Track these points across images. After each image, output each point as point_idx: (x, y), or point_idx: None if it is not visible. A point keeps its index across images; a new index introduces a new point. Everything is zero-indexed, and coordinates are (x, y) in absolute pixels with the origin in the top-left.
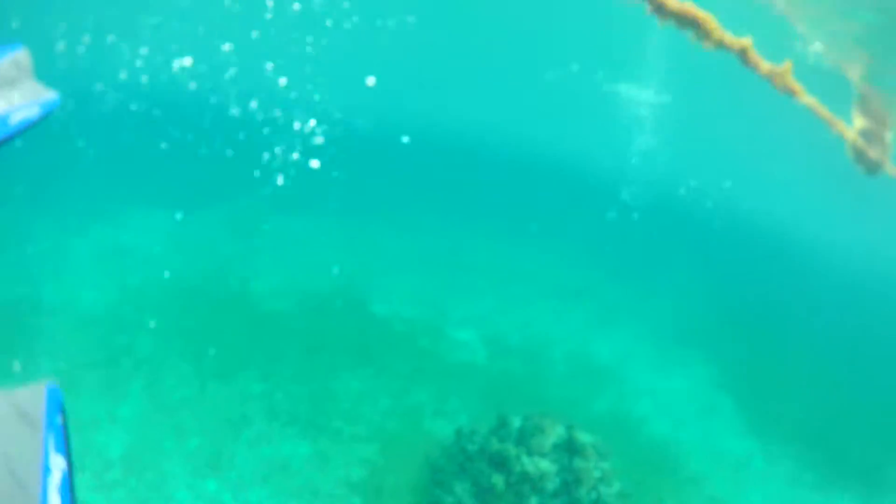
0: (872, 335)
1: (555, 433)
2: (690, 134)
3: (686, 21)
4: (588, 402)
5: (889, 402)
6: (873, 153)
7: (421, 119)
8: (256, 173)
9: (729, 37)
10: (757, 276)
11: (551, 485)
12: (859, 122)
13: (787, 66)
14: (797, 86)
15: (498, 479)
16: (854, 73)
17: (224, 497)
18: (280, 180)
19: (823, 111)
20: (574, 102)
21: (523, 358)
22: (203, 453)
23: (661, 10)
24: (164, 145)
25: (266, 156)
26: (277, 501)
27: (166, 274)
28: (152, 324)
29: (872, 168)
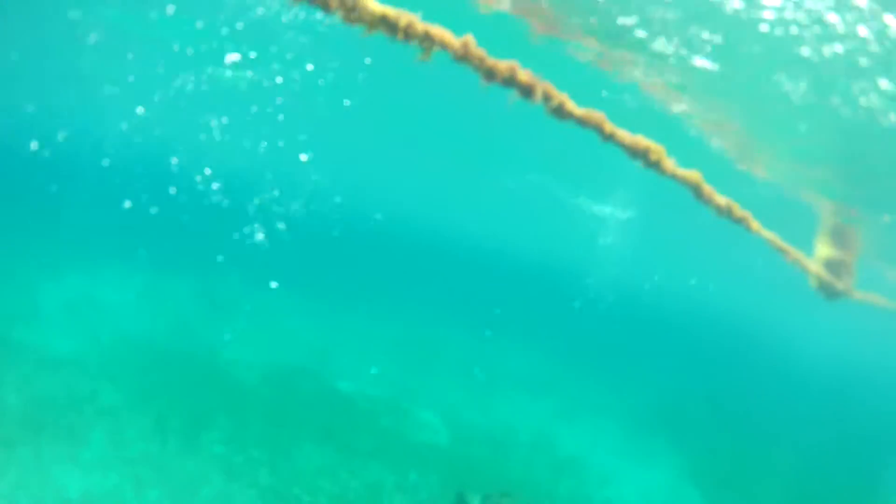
0: (835, 429)
1: None
2: (654, 244)
3: (636, 152)
4: (550, 486)
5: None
6: (838, 282)
7: (391, 209)
8: (233, 246)
9: (681, 170)
10: (720, 370)
11: None
12: (825, 251)
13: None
14: (753, 221)
15: None
16: (821, 204)
17: None
18: (255, 256)
19: (781, 244)
20: (536, 210)
21: (486, 442)
22: None
23: (611, 140)
24: (152, 208)
25: (244, 230)
26: None
27: (136, 329)
28: (117, 376)
29: (833, 295)
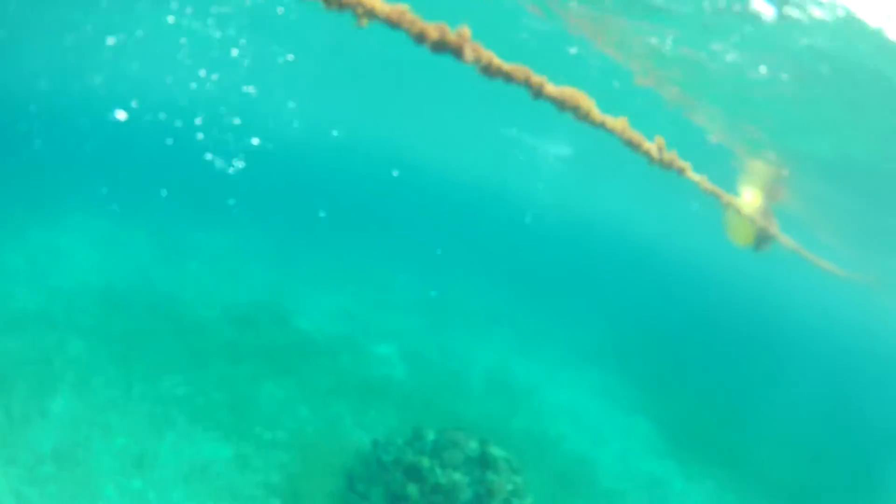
0: (781, 353)
1: (468, 447)
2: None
3: (564, 104)
4: (505, 419)
5: (809, 418)
6: (766, 227)
7: (343, 143)
8: (189, 189)
9: (609, 118)
10: (661, 298)
11: (464, 496)
12: (753, 199)
13: (659, 140)
14: (680, 162)
15: (412, 489)
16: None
17: (149, 495)
18: (210, 196)
19: (713, 187)
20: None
21: (441, 376)
22: (129, 452)
23: (539, 95)
24: (103, 154)
25: (201, 171)
26: (198, 502)
27: (97, 278)
28: (82, 326)
29: (764, 241)
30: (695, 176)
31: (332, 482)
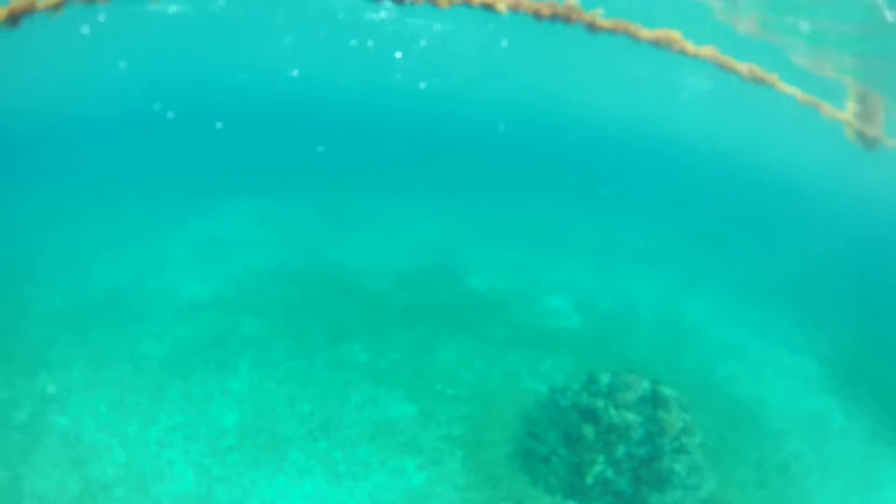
0: None
1: (640, 388)
2: None
3: (660, 43)
4: (674, 361)
5: None
6: (870, 131)
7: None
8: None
9: (700, 48)
10: (822, 235)
11: (637, 434)
12: (853, 107)
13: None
14: (770, 76)
15: (588, 430)
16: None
17: (335, 455)
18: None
19: (810, 98)
20: None
21: (613, 321)
22: (313, 417)
23: (637, 39)
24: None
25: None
26: (384, 457)
27: (265, 258)
28: (256, 306)
29: (871, 145)
30: (787, 88)
31: (511, 429)
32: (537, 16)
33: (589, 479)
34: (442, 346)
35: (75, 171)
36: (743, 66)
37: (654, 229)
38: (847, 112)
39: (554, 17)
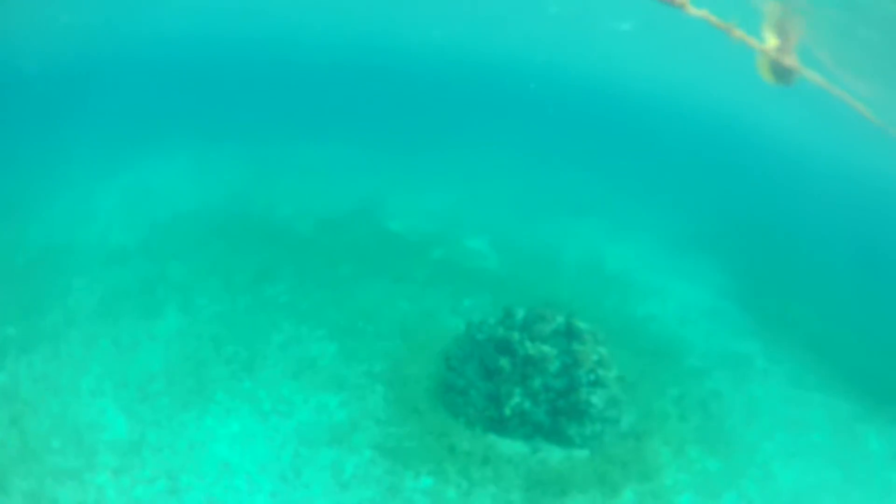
0: (871, 243)
1: (555, 321)
2: None
3: None
4: (594, 301)
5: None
6: (787, 63)
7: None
8: (268, 108)
9: None
10: (750, 185)
11: (552, 366)
12: (770, 34)
13: None
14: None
15: (504, 361)
16: None
17: (259, 393)
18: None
19: (716, 20)
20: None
21: (534, 264)
22: (238, 358)
23: None
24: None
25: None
26: (307, 394)
27: (191, 205)
28: (181, 253)
29: (786, 78)
30: (695, 10)
31: (432, 364)
32: None
33: (507, 411)
34: (363, 286)
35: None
36: None
37: (580, 178)
38: (765, 42)
39: None
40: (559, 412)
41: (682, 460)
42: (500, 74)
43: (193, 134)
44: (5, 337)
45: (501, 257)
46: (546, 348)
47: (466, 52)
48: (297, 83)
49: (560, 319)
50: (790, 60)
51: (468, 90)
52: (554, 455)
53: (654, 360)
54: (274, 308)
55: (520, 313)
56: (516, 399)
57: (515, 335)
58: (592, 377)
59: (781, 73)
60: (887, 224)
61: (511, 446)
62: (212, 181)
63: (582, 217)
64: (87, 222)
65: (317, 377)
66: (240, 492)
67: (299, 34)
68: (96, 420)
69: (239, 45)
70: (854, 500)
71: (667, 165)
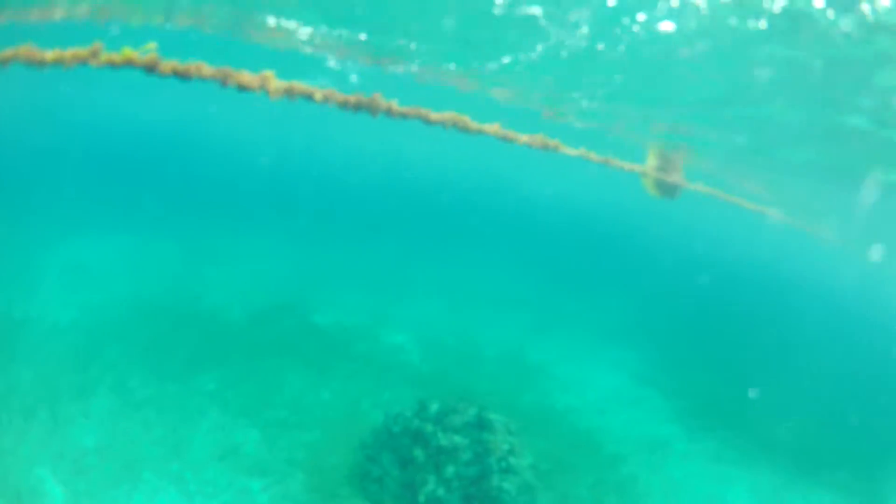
0: (786, 326)
1: (467, 413)
2: None
3: (447, 124)
4: (515, 394)
5: (812, 387)
6: (671, 179)
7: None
8: (201, 202)
9: (485, 125)
10: (661, 280)
11: (464, 456)
12: (652, 161)
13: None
14: (554, 142)
15: (418, 452)
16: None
17: (186, 475)
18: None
19: (597, 157)
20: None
21: (455, 358)
22: (165, 441)
23: (429, 122)
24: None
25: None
26: (231, 476)
27: (127, 289)
28: (116, 334)
29: (671, 193)
30: (573, 151)
31: (350, 455)
32: (345, 104)
33: (421, 498)
34: (288, 378)
35: None
36: (525, 137)
37: (503, 276)
38: (647, 166)
39: (358, 106)
40: (472, 498)
41: None
42: (418, 175)
43: (130, 220)
44: None
45: (423, 352)
46: (458, 438)
47: (385, 156)
48: (230, 180)
49: (472, 411)
50: (675, 178)
51: (389, 190)
52: None
53: (571, 449)
54: (201, 395)
55: (434, 406)
56: (430, 486)
57: (429, 427)
58: (504, 465)
59: (666, 188)
60: (793, 300)
61: None
62: (145, 263)
63: (504, 313)
64: (24, 297)
65: (240, 462)
66: None
67: (235, 137)
68: (35, 488)
69: (174, 141)
70: None
71: (581, 267)
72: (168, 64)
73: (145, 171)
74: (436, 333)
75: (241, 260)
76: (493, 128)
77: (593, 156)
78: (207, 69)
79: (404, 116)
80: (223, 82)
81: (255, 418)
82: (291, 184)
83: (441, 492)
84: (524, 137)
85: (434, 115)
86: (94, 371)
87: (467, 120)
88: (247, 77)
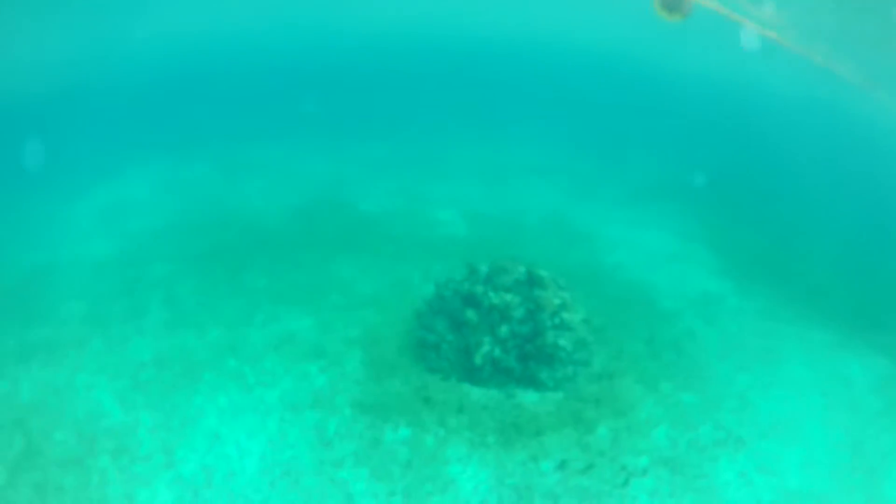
0: (841, 176)
1: (517, 271)
2: None
3: None
4: (561, 255)
5: (866, 242)
6: None
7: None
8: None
9: None
10: (697, 129)
11: (517, 313)
12: None
13: None
14: None
15: (470, 313)
16: None
17: (244, 369)
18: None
19: None
20: None
21: (501, 227)
22: (221, 341)
23: None
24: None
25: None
26: (288, 363)
27: (166, 215)
28: (160, 255)
29: (680, 10)
30: None
31: (404, 326)
32: None
33: (478, 360)
34: (337, 264)
35: None
36: None
37: (542, 142)
38: None
39: None
40: (529, 357)
41: (656, 396)
42: (440, 55)
43: (160, 145)
44: (4, 348)
45: (469, 224)
46: (509, 297)
47: (407, 39)
48: (254, 87)
49: (521, 269)
50: None
51: (417, 72)
52: (527, 399)
53: (622, 305)
54: (252, 292)
55: (483, 268)
56: (486, 347)
57: (479, 288)
58: (557, 320)
59: (673, 6)
60: (841, 151)
61: (485, 394)
62: (181, 187)
63: (546, 179)
64: (69, 239)
65: (296, 349)
66: (230, 458)
67: (248, 40)
68: (93, 410)
69: (193, 56)
70: (837, 423)
71: (621, 121)
72: None
73: (167, 89)
74: (478, 207)
75: (279, 165)
76: None
77: None
78: None
79: None
80: None
81: (307, 306)
82: (315, 76)
83: (497, 352)
84: None
85: None
86: (143, 292)
87: None
88: None
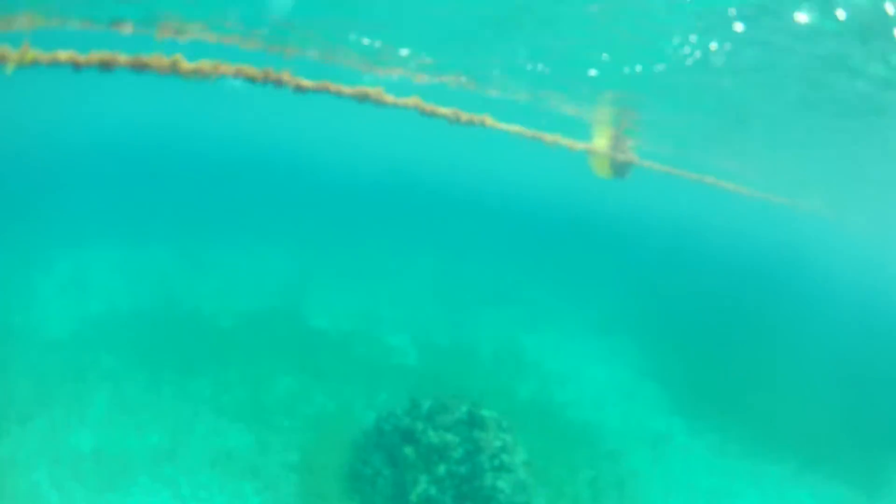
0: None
1: (458, 410)
2: None
3: (361, 97)
4: (510, 390)
5: (815, 372)
6: (622, 158)
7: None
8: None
9: (401, 99)
10: (662, 271)
11: (456, 454)
12: (601, 142)
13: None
14: (479, 116)
15: (408, 450)
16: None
17: (179, 480)
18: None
19: (531, 132)
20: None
21: (451, 357)
22: (161, 446)
23: (341, 95)
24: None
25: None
26: (224, 481)
27: (123, 300)
28: (112, 344)
29: (623, 171)
30: (501, 125)
31: (342, 456)
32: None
33: (413, 498)
34: (282, 381)
35: None
36: (447, 110)
37: (498, 271)
38: (598, 143)
39: (266, 80)
40: (465, 498)
41: None
42: (407, 178)
43: (124, 234)
44: None
45: (420, 352)
46: (449, 436)
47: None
48: (220, 189)
49: (463, 408)
50: (625, 156)
51: (381, 193)
52: None
53: (568, 444)
54: (196, 401)
55: (425, 404)
56: (422, 486)
57: (420, 424)
58: (496, 462)
59: (617, 167)
60: (787, 283)
61: None
62: (141, 275)
63: (499, 310)
64: (23, 310)
65: (234, 466)
66: None
67: (218, 145)
68: (30, 492)
69: (164, 154)
70: None
71: (571, 261)
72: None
73: (131, 178)
74: (431, 334)
75: (233, 266)
76: (412, 100)
77: (526, 132)
78: (123, 58)
79: (314, 90)
80: (138, 69)
81: (248, 422)
82: (275, 188)
83: (433, 491)
84: (445, 110)
85: (347, 89)
86: (90, 381)
87: (381, 92)
88: (158, 60)
